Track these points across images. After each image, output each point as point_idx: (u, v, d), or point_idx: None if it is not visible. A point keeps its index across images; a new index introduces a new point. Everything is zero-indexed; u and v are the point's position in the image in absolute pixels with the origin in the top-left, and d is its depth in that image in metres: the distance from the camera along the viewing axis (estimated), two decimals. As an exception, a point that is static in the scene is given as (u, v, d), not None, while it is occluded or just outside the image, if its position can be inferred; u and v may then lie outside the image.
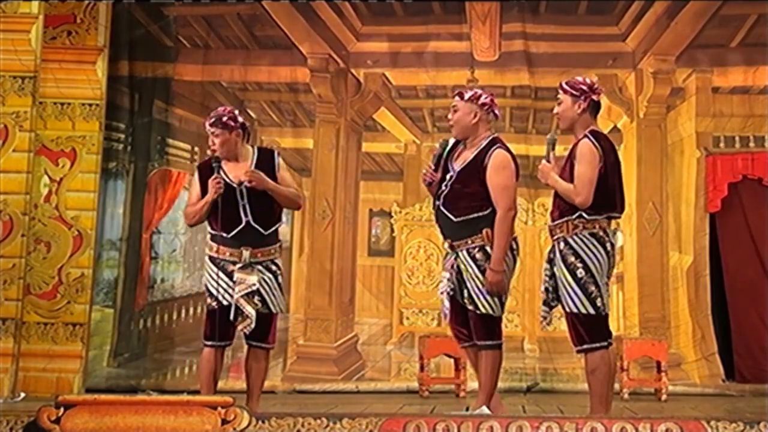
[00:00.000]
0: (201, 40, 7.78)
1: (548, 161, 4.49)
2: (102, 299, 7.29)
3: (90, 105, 6.97)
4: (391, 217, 7.77)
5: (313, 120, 7.75)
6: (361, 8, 7.70)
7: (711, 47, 7.53)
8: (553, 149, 4.51)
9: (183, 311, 7.61)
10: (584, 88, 4.46)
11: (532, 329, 7.31)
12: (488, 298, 4.54)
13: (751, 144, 7.42)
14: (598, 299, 4.32)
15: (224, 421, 3.87)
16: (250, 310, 4.62)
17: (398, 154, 7.94)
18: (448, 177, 4.64)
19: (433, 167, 4.69)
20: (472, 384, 6.83)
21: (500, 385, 4.81)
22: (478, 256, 4.55)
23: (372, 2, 7.63)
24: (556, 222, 4.43)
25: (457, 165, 4.65)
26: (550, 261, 4.47)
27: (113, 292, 7.35)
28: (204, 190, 4.71)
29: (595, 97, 4.47)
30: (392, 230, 7.77)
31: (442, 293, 4.70)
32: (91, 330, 6.93)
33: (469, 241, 4.57)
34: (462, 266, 4.60)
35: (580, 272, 4.31)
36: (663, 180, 7.45)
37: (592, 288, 4.31)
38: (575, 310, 4.33)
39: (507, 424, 3.88)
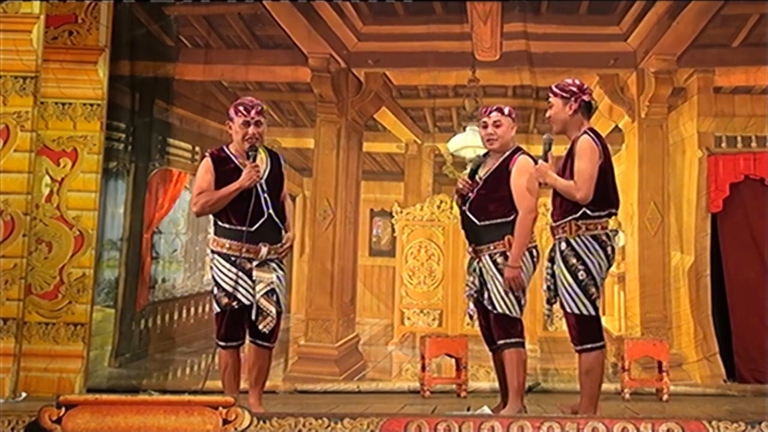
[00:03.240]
0: (202, 39, 7.78)
1: (545, 161, 4.54)
2: (103, 299, 7.29)
3: (91, 105, 6.97)
4: (392, 217, 7.76)
5: (314, 120, 7.75)
6: (362, 8, 7.69)
7: (713, 47, 7.52)
8: (550, 149, 4.57)
9: (184, 311, 7.61)
10: (573, 89, 4.52)
11: (533, 329, 7.28)
12: (506, 298, 4.65)
13: (753, 144, 7.42)
14: (597, 300, 4.38)
15: (225, 421, 3.87)
16: (271, 309, 4.59)
17: (399, 154, 7.94)
18: (474, 184, 4.81)
19: (469, 181, 4.85)
20: (473, 384, 6.86)
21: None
22: (499, 260, 4.70)
23: (373, 2, 7.63)
24: (559, 222, 4.46)
25: (484, 173, 4.83)
26: (552, 260, 4.52)
27: (114, 292, 7.35)
28: (219, 179, 4.66)
29: (585, 98, 4.53)
30: (393, 230, 7.76)
31: (467, 296, 4.88)
32: (93, 330, 6.92)
33: (492, 247, 4.72)
34: (483, 269, 4.74)
35: (582, 274, 4.35)
36: (665, 180, 7.44)
37: (593, 290, 4.37)
38: (576, 311, 4.37)
39: (508, 424, 3.87)
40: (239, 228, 4.60)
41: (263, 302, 4.59)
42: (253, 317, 4.59)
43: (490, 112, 4.87)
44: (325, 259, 7.57)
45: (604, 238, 4.39)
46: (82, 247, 6.83)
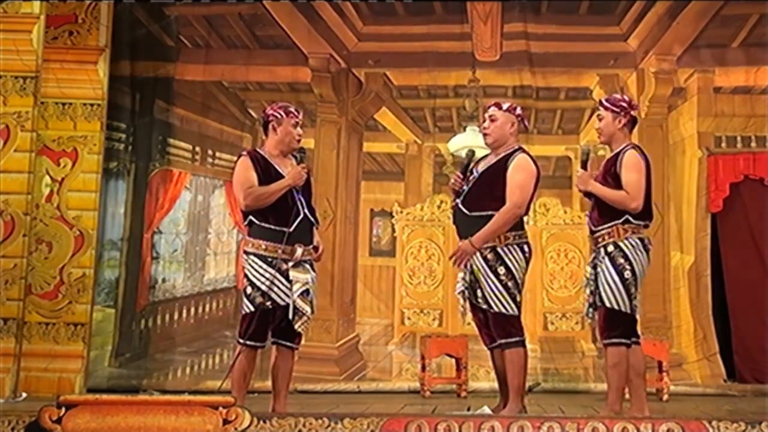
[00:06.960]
0: (202, 39, 7.78)
1: (584, 170, 4.69)
2: (103, 299, 7.29)
3: (91, 105, 6.97)
4: (393, 217, 7.76)
5: (314, 120, 7.74)
6: (363, 8, 7.70)
7: (712, 47, 7.53)
8: (588, 159, 4.72)
9: (184, 311, 7.61)
10: (624, 104, 4.75)
11: (534, 329, 7.29)
12: (499, 296, 4.62)
13: (753, 144, 7.43)
14: (635, 300, 4.57)
15: (225, 421, 3.88)
16: (307, 309, 4.59)
17: (399, 154, 7.95)
18: (470, 178, 4.80)
19: (461, 176, 4.85)
20: (474, 384, 6.86)
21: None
22: (489, 257, 4.65)
23: (373, 2, 7.63)
24: (605, 227, 4.60)
25: (481, 167, 4.82)
26: (594, 266, 4.65)
27: (114, 292, 7.35)
28: (261, 178, 4.64)
29: (633, 113, 4.76)
30: (393, 230, 7.76)
31: (458, 293, 4.84)
32: (93, 330, 6.93)
33: None
34: (475, 267, 4.69)
35: (627, 273, 4.54)
36: (664, 180, 7.44)
37: (633, 289, 4.55)
38: (613, 306, 4.52)
39: (508, 424, 3.88)
40: (277, 228, 4.60)
41: (299, 302, 4.59)
42: (290, 317, 4.58)
43: (489, 107, 4.94)
44: (325, 259, 7.46)
45: (647, 241, 4.61)
46: (82, 247, 6.82)
